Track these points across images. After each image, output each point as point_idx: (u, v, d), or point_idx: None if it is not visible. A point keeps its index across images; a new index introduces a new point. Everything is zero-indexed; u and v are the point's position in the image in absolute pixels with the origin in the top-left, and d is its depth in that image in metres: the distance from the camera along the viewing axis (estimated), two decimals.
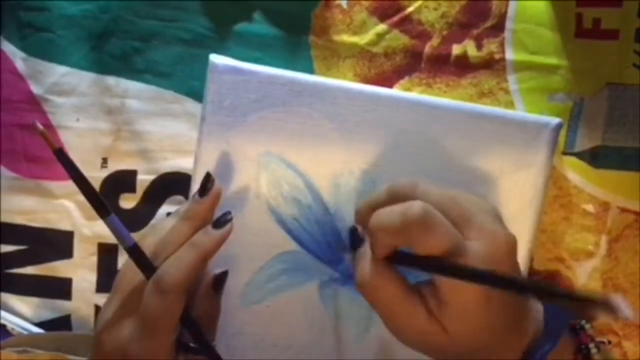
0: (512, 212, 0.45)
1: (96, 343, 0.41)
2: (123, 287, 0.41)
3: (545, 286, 0.34)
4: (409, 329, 0.38)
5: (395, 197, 0.38)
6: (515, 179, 0.45)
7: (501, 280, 0.35)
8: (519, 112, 0.47)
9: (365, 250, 0.38)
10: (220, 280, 0.43)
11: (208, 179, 0.42)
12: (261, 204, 0.46)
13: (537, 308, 0.39)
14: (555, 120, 0.45)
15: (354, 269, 0.39)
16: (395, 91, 0.47)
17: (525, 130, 0.45)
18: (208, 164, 0.45)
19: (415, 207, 0.35)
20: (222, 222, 0.41)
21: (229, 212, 0.42)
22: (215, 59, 0.45)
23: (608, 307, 0.30)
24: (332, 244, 0.46)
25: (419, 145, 0.45)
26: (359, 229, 0.41)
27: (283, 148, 0.46)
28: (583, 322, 0.39)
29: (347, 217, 0.46)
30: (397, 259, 0.37)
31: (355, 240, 0.41)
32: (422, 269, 0.36)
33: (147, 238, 0.41)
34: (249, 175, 0.46)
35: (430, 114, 0.45)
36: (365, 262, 0.38)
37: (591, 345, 0.38)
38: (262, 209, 0.46)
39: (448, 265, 0.35)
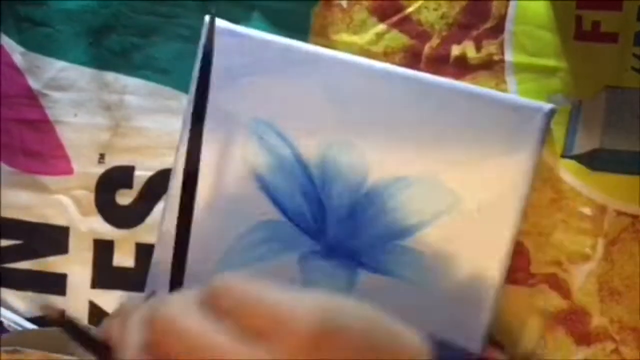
0: (496, 195, 0.45)
1: None
2: None
3: None
4: None
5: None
6: (503, 161, 0.45)
7: None
8: (512, 95, 0.46)
9: None
10: None
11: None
12: (247, 169, 0.46)
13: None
14: (547, 106, 0.45)
15: None
16: (391, 65, 0.47)
17: (517, 113, 0.45)
18: (194, 125, 0.43)
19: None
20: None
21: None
22: (209, 18, 0.45)
23: None
24: (316, 216, 0.46)
25: (410, 121, 0.45)
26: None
27: (273, 115, 0.45)
28: None
29: (333, 191, 0.46)
30: None
31: None
32: None
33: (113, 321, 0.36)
34: (236, 139, 0.45)
35: (423, 90, 0.45)
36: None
37: None
38: (247, 174, 0.46)
39: None
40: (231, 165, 0.46)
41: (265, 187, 0.46)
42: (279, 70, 0.45)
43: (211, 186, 0.46)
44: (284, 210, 0.46)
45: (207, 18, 0.44)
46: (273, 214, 0.46)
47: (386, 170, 0.45)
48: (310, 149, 0.46)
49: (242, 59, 0.45)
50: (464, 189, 0.45)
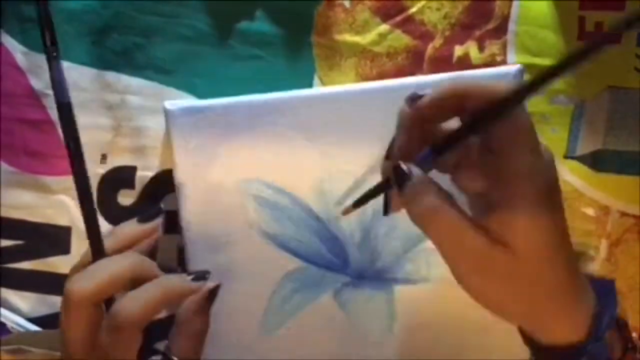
0: None
1: None
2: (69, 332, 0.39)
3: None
4: (472, 258, 0.34)
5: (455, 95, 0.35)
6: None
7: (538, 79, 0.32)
8: (478, 70, 0.46)
9: (420, 180, 0.35)
10: (215, 293, 0.42)
11: (158, 212, 0.43)
12: (255, 231, 0.46)
13: (587, 282, 0.36)
14: (515, 67, 0.45)
15: (407, 204, 0.35)
16: (349, 85, 0.47)
17: None
18: (192, 209, 0.45)
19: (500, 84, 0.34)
20: (200, 277, 0.40)
21: (208, 273, 0.41)
22: (169, 105, 0.46)
23: None
24: (335, 250, 0.46)
25: (390, 131, 0.45)
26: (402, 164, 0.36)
27: (260, 171, 0.46)
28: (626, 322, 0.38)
29: (342, 222, 0.46)
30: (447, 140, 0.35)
31: (401, 176, 0.35)
32: (473, 130, 0.34)
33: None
34: (235, 206, 0.46)
35: (391, 97, 0.44)
36: (424, 190, 0.34)
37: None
38: (257, 236, 0.46)
39: (492, 107, 0.33)
40: (239, 234, 0.46)
41: (278, 241, 0.46)
42: (250, 128, 0.45)
43: (228, 259, 0.46)
44: (303, 257, 0.46)
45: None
46: (295, 263, 0.46)
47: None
48: (305, 190, 0.46)
49: (211, 130, 0.45)
50: None
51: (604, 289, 0.37)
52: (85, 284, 0.38)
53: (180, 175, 0.46)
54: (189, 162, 0.45)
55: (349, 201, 0.38)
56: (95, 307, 0.38)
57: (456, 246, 0.35)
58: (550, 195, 0.34)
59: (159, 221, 0.43)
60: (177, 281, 0.40)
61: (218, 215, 0.46)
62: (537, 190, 0.33)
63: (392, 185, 0.36)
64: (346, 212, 0.38)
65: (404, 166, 0.35)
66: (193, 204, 0.46)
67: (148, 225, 0.42)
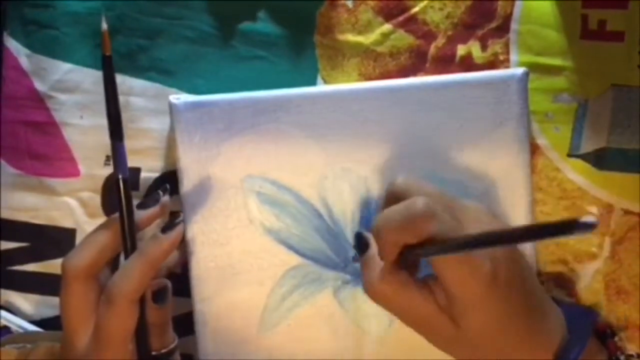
0: (503, 169, 0.45)
1: (60, 356, 0.41)
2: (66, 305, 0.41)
3: (525, 228, 0.34)
4: (424, 328, 0.38)
5: (395, 197, 0.38)
6: (496, 137, 0.45)
7: (497, 235, 0.33)
8: (484, 72, 0.47)
9: (372, 254, 0.39)
10: (158, 293, 0.43)
11: (176, 218, 0.42)
12: (256, 227, 0.46)
13: (556, 311, 0.39)
14: (520, 70, 0.45)
15: (361, 275, 0.39)
16: (354, 84, 0.47)
17: (492, 87, 0.45)
18: (195, 203, 0.46)
19: (418, 202, 0.36)
20: (170, 226, 0.41)
21: (177, 216, 0.42)
22: (173, 99, 0.46)
23: (580, 226, 0.29)
24: (336, 248, 0.46)
25: (393, 130, 0.45)
26: (363, 233, 0.42)
27: (263, 168, 0.46)
28: (612, 331, 0.39)
29: (341, 218, 0.46)
30: (406, 256, 0.37)
31: (360, 244, 0.41)
32: (433, 254, 0.36)
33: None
34: (238, 202, 0.46)
35: (395, 97, 0.45)
36: (372, 268, 0.38)
37: (621, 357, 0.38)
38: (258, 232, 0.46)
39: (457, 241, 0.35)
40: (241, 229, 0.46)
41: (279, 238, 0.46)
42: (254, 125, 0.46)
43: (229, 254, 0.46)
44: (303, 254, 0.46)
45: None
46: (295, 260, 0.46)
47: (386, 179, 0.46)
48: (307, 187, 0.46)
49: (216, 126, 0.46)
50: (467, 175, 0.45)
51: (578, 320, 0.39)
52: (77, 258, 0.40)
53: (183, 170, 0.46)
54: (192, 157, 0.46)
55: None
56: (90, 280, 0.40)
57: (407, 321, 0.39)
58: (489, 286, 0.36)
59: (158, 206, 0.43)
60: (153, 246, 0.40)
61: (220, 211, 0.46)
62: (473, 291, 0.36)
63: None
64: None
65: (364, 237, 0.40)
66: (195, 199, 0.46)
67: (148, 211, 0.43)
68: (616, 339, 0.39)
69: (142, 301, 0.41)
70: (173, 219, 0.41)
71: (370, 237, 0.40)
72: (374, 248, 0.39)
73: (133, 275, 0.39)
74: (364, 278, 0.39)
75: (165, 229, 0.41)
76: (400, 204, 0.37)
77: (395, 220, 0.36)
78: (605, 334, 0.39)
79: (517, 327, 0.37)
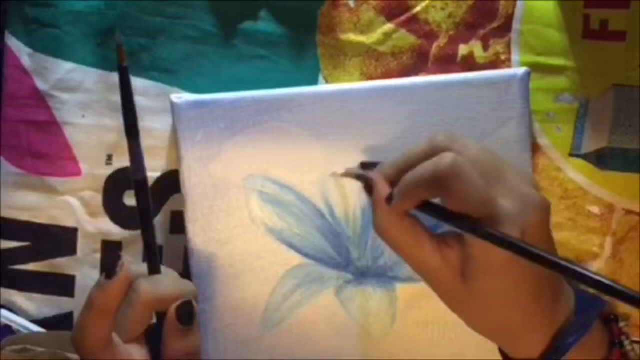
0: None
1: None
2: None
3: (576, 268, 0.32)
4: (431, 278, 0.37)
5: (433, 151, 0.36)
6: (498, 137, 0.45)
7: (527, 251, 0.33)
8: (486, 72, 0.47)
9: (381, 197, 0.37)
10: (184, 312, 0.39)
11: (116, 262, 0.37)
12: (258, 227, 0.46)
13: (569, 293, 0.38)
14: (522, 70, 0.45)
15: (372, 212, 0.38)
16: (357, 84, 0.47)
17: (494, 87, 0.45)
18: (196, 202, 0.46)
19: (445, 158, 0.34)
20: (113, 271, 0.37)
21: (118, 256, 0.38)
22: (175, 99, 0.46)
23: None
24: (338, 247, 0.46)
25: (396, 130, 0.45)
26: (371, 175, 0.38)
27: (264, 167, 0.46)
28: (616, 317, 0.39)
29: (343, 217, 0.46)
30: (425, 208, 0.36)
31: (365, 185, 0.39)
32: (448, 223, 0.36)
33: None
34: (239, 201, 0.46)
35: (397, 97, 0.45)
36: (382, 208, 0.37)
37: (626, 341, 0.38)
38: (260, 231, 0.46)
39: (475, 226, 0.34)
40: (242, 229, 0.46)
41: (281, 237, 0.46)
42: (256, 124, 0.46)
43: (231, 254, 0.46)
44: (306, 253, 0.46)
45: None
46: (297, 259, 0.46)
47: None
48: (309, 186, 0.46)
49: (218, 124, 0.46)
50: None
51: (586, 307, 0.38)
52: (81, 337, 0.37)
53: (185, 169, 0.46)
54: (194, 156, 0.46)
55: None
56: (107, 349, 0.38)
57: (409, 261, 0.37)
58: (511, 258, 0.35)
59: (124, 272, 0.38)
60: (99, 294, 0.37)
61: (221, 210, 0.46)
62: (496, 257, 0.35)
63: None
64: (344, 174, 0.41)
65: (370, 179, 0.38)
66: (196, 198, 0.46)
67: (114, 282, 0.37)
68: (621, 324, 0.39)
69: (157, 334, 0.39)
70: (115, 262, 0.37)
71: (376, 180, 0.38)
72: (381, 190, 0.37)
73: (88, 328, 0.37)
74: (374, 218, 0.37)
75: (108, 274, 0.37)
76: (429, 161, 0.35)
77: (420, 175, 0.35)
78: (609, 319, 0.39)
79: (525, 302, 0.36)
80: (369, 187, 0.38)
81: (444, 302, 0.38)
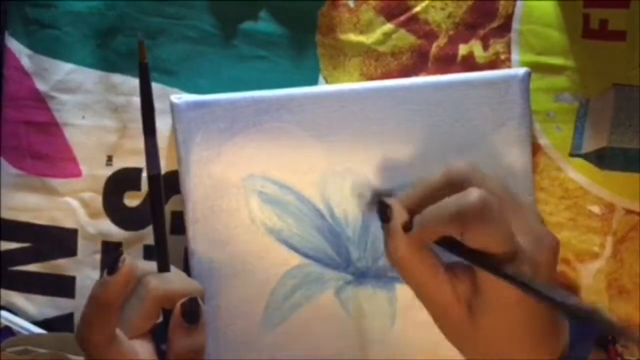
0: (505, 169, 0.45)
1: None
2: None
3: (589, 311, 0.32)
4: (438, 312, 0.37)
5: (452, 182, 0.36)
6: (498, 137, 0.45)
7: (545, 296, 0.33)
8: (486, 72, 0.47)
9: (397, 224, 0.36)
10: (189, 310, 0.39)
11: (118, 257, 0.38)
12: (258, 227, 0.46)
13: (565, 326, 0.38)
14: (522, 70, 0.45)
15: (385, 241, 0.37)
16: (357, 84, 0.47)
17: (494, 87, 0.45)
18: (196, 202, 0.46)
19: (472, 194, 0.34)
20: (115, 266, 0.37)
21: (119, 252, 0.38)
22: (175, 99, 0.46)
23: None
24: (337, 248, 0.46)
25: (394, 130, 0.45)
26: (389, 202, 0.37)
27: (264, 167, 0.46)
28: (614, 338, 0.39)
29: (343, 218, 0.46)
30: (443, 242, 0.36)
31: (383, 214, 0.37)
32: (468, 261, 0.35)
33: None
34: (239, 202, 0.46)
35: (397, 97, 0.45)
36: (396, 237, 0.36)
37: None
38: (259, 231, 0.46)
39: (494, 266, 0.34)
40: (242, 229, 0.46)
41: (281, 237, 0.46)
42: (256, 124, 0.46)
43: (231, 254, 0.46)
44: (305, 253, 0.46)
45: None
46: (297, 259, 0.46)
47: (389, 179, 0.46)
48: (309, 187, 0.46)
49: (218, 125, 0.46)
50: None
51: (581, 335, 0.38)
52: (86, 331, 0.38)
53: (185, 169, 0.46)
54: (194, 156, 0.46)
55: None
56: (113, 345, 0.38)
57: (418, 293, 0.37)
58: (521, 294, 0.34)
59: (125, 267, 0.38)
60: (102, 290, 0.37)
61: (221, 210, 0.46)
62: (507, 293, 0.34)
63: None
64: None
65: (388, 205, 0.37)
66: (196, 198, 0.46)
67: (116, 277, 0.38)
68: (617, 346, 0.39)
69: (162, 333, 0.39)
70: (117, 258, 0.38)
71: (393, 207, 0.37)
72: (398, 218, 0.36)
73: (92, 325, 0.37)
74: (387, 245, 0.36)
75: (110, 270, 0.37)
76: (455, 195, 0.34)
77: (446, 211, 0.34)
78: (606, 340, 0.39)
79: (531, 341, 0.36)
80: (383, 213, 0.37)
81: (446, 336, 0.38)
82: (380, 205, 0.37)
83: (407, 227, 0.36)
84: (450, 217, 0.34)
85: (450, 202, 0.34)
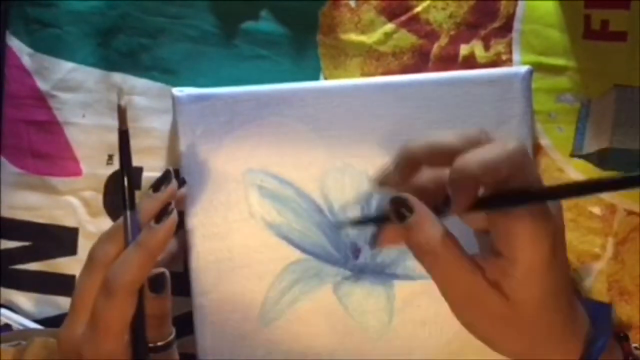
0: None
1: (57, 341, 0.41)
2: (79, 286, 0.41)
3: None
4: (466, 297, 0.35)
5: (470, 144, 0.34)
6: (498, 135, 0.44)
7: (606, 182, 0.31)
8: (487, 70, 0.47)
9: (423, 216, 0.35)
10: (156, 281, 0.42)
11: (167, 207, 0.41)
12: (257, 221, 0.46)
13: (582, 309, 0.38)
14: (524, 68, 0.45)
15: (409, 238, 0.35)
16: (359, 79, 0.47)
17: (496, 85, 0.45)
18: (196, 196, 0.46)
19: (512, 142, 0.33)
20: (164, 215, 0.40)
21: (169, 204, 0.41)
22: (177, 92, 0.46)
23: None
24: (337, 243, 0.46)
25: (396, 127, 0.45)
26: (404, 195, 0.35)
27: (264, 162, 0.46)
28: (626, 335, 0.39)
29: (342, 213, 0.46)
30: (482, 204, 0.34)
31: (402, 210, 0.35)
32: (512, 205, 0.33)
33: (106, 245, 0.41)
34: (238, 196, 0.46)
35: (398, 93, 0.45)
36: (428, 225, 0.35)
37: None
38: (259, 226, 0.46)
39: (538, 190, 0.34)
40: (241, 223, 0.46)
41: (280, 232, 0.46)
42: (257, 118, 0.46)
43: (229, 248, 0.46)
44: (304, 248, 0.46)
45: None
46: (295, 254, 0.46)
47: None
48: (309, 182, 0.46)
49: (219, 118, 0.46)
50: None
51: (600, 314, 0.38)
52: (123, 273, 0.39)
53: (185, 162, 0.46)
54: (194, 150, 0.46)
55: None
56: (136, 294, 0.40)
57: (451, 283, 0.36)
58: (552, 254, 0.34)
59: (172, 185, 0.42)
60: (148, 236, 0.40)
61: (220, 204, 0.46)
62: (540, 256, 0.34)
63: (389, 218, 0.35)
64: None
65: (407, 198, 0.35)
66: (196, 192, 0.46)
67: (163, 194, 0.42)
68: (630, 341, 0.39)
69: (140, 291, 0.40)
70: (165, 208, 0.40)
71: (410, 198, 0.35)
72: (420, 211, 0.35)
73: (132, 266, 0.39)
74: (415, 241, 0.35)
75: (159, 218, 0.40)
76: (487, 146, 0.33)
77: (492, 159, 0.33)
78: (620, 337, 0.39)
79: (563, 307, 0.36)
80: (397, 211, 0.35)
81: (488, 333, 0.36)
82: (394, 203, 0.35)
83: (438, 209, 0.35)
84: (493, 166, 0.33)
85: (489, 151, 0.33)
